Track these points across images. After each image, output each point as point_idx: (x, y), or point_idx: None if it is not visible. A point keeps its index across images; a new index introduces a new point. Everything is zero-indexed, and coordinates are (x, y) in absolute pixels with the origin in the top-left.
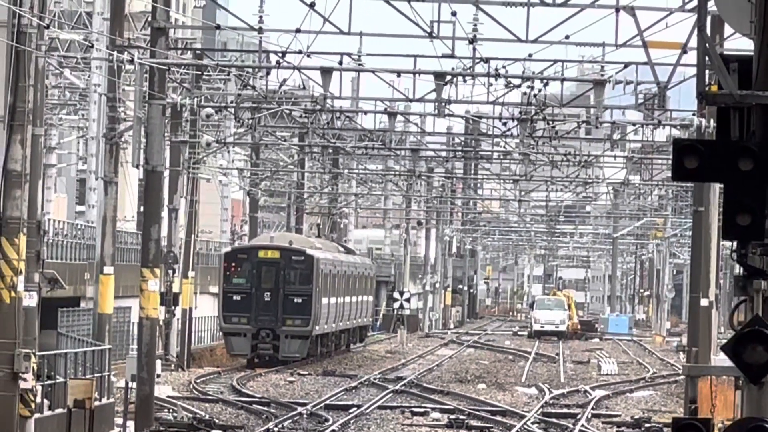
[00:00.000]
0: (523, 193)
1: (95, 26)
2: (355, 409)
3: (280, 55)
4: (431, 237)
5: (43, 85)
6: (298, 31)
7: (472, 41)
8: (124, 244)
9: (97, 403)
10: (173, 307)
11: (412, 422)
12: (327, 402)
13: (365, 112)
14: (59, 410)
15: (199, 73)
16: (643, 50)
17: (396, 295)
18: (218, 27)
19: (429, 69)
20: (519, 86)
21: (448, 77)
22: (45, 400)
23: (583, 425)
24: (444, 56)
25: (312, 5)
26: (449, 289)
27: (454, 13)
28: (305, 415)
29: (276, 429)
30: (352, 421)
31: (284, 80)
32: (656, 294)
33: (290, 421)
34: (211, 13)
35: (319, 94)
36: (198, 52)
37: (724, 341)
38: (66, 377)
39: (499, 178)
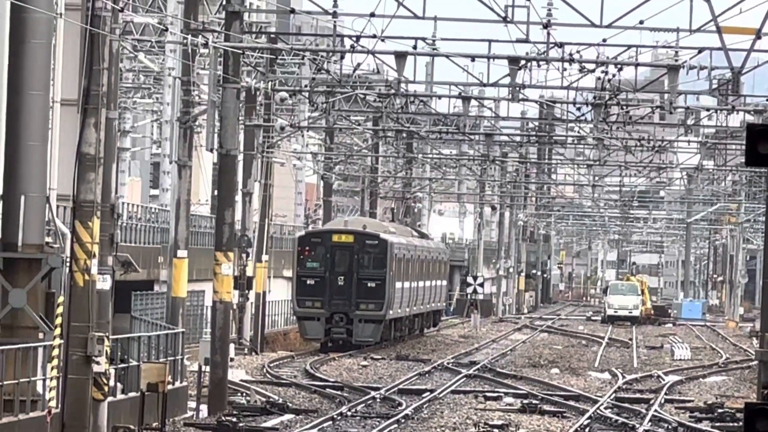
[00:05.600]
0: (596, 177)
1: (170, 10)
2: (428, 393)
3: (354, 39)
4: (505, 221)
5: (117, 68)
6: (372, 15)
7: (546, 26)
8: (198, 227)
9: (170, 386)
10: (247, 291)
11: (485, 407)
12: (400, 386)
13: (439, 97)
14: (132, 394)
15: (274, 57)
16: (717, 36)
17: (469, 279)
18: (293, 11)
19: (503, 54)
20: (593, 71)
21: (523, 62)
22: (118, 384)
23: (656, 410)
24: (518, 41)
25: None
26: (523, 273)
27: None
28: (378, 400)
29: (349, 413)
30: (425, 406)
31: (358, 64)
32: (729, 279)
33: (363, 405)
34: None
35: (393, 79)
36: (272, 36)
37: None
38: (139, 361)
39: (573, 163)
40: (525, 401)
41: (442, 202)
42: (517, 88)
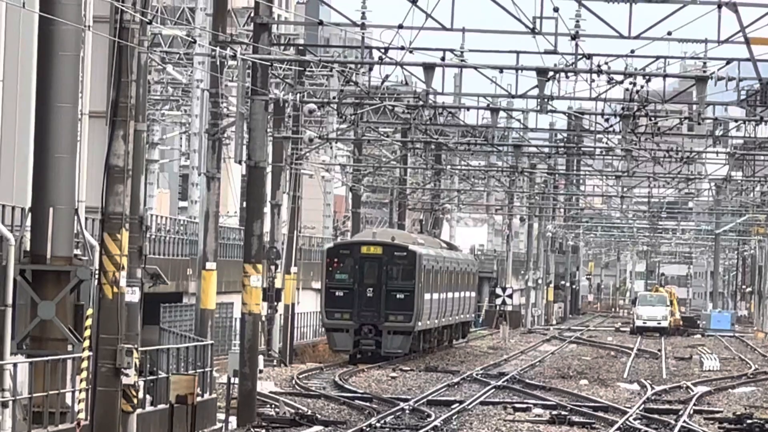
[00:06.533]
0: (625, 189)
1: (198, 22)
2: (457, 404)
3: (382, 51)
4: (534, 233)
5: (146, 80)
6: (400, 27)
7: (574, 37)
8: (227, 239)
9: (199, 398)
10: (276, 303)
11: (514, 418)
12: (429, 398)
13: (468, 108)
14: (161, 406)
15: (302, 69)
16: (746, 47)
17: (498, 290)
18: (321, 23)
19: (531, 65)
20: (621, 82)
21: (551, 73)
22: (147, 396)
23: (685, 421)
24: (546, 52)
25: (415, 1)
26: (551, 285)
27: (556, 9)
28: (407, 411)
29: (378, 424)
30: (454, 417)
31: (387, 76)
32: (758, 290)
33: (392, 416)
34: (313, 9)
35: (421, 90)
36: (301, 47)
37: None
38: (168, 373)
39: (602, 174)
40: (554, 412)
41: (471, 214)
42: (546, 100)
